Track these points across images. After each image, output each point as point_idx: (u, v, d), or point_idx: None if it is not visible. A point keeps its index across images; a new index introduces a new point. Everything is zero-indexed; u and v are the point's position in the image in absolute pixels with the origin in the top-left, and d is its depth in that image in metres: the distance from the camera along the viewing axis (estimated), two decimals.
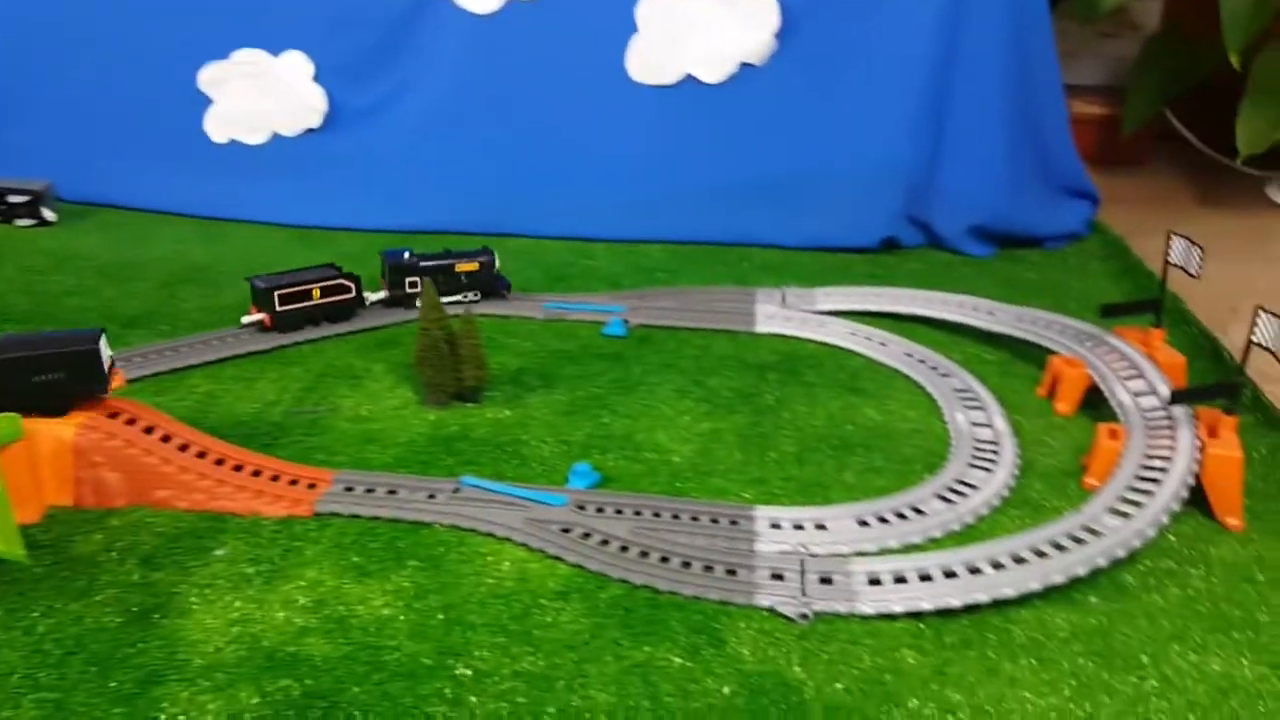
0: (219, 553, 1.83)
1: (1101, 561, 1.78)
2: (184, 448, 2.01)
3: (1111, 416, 2.22)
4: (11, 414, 1.88)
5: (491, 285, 2.81)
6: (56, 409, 1.93)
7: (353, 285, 2.71)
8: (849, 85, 3.12)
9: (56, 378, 1.90)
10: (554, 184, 3.31)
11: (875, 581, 1.75)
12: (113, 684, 1.53)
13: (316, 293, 2.64)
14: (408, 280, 2.76)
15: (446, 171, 3.34)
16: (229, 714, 1.48)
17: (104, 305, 2.79)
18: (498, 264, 2.81)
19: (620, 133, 3.25)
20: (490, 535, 1.88)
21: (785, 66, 3.13)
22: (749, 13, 3.08)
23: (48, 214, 3.31)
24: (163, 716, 1.48)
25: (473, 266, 2.76)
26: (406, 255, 2.73)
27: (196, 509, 1.94)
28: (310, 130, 3.35)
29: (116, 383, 1.98)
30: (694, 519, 1.92)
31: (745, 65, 3.14)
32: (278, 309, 2.60)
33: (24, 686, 1.52)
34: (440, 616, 1.69)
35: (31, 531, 1.86)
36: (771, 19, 3.09)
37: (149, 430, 2.00)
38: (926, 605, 1.70)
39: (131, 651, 1.60)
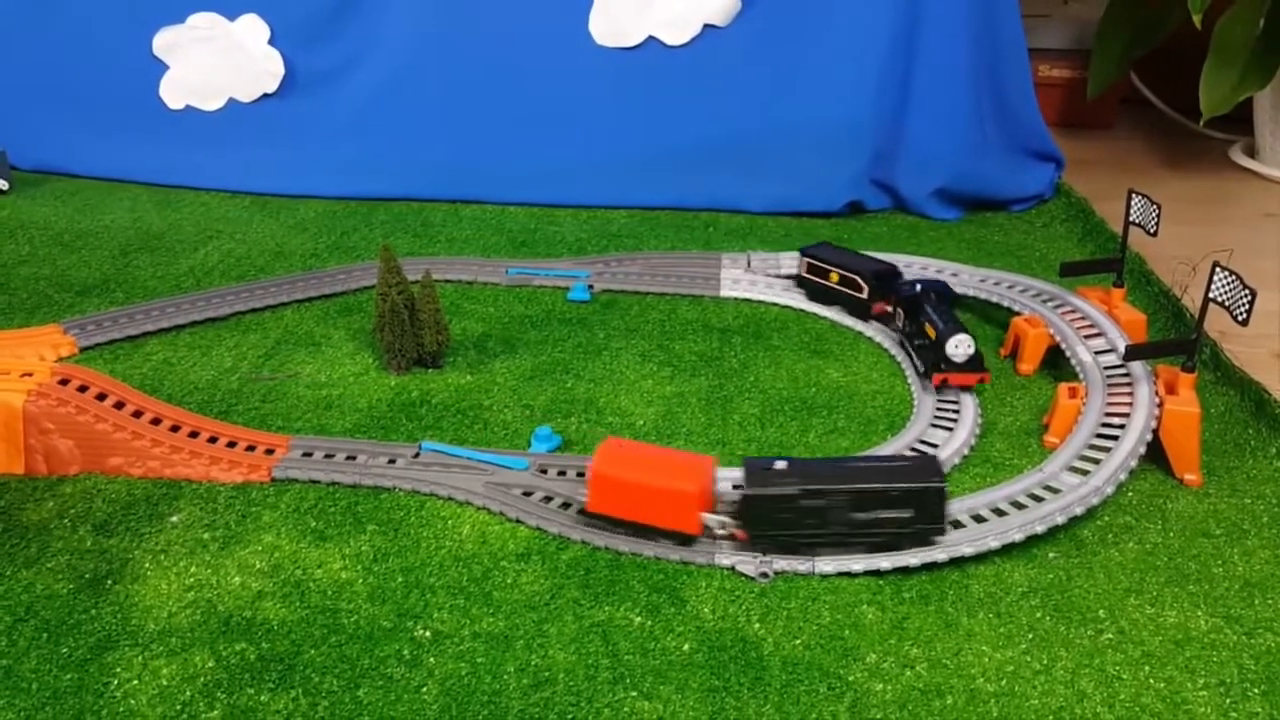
0: (174, 519, 1.80)
1: (1060, 519, 1.79)
2: (138, 414, 1.98)
3: (1073, 376, 2.22)
4: None
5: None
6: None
7: (865, 287, 2.48)
8: (813, 47, 3.10)
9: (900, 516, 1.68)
10: (517, 149, 3.27)
11: None
12: (64, 650, 1.51)
13: (834, 277, 2.53)
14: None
15: (407, 138, 3.29)
16: (183, 678, 1.47)
17: (58, 274, 2.74)
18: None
19: (583, 97, 3.21)
20: (451, 499, 1.87)
21: (749, 28, 3.10)
22: None
23: (0, 182, 3.24)
24: (115, 681, 1.46)
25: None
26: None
27: (151, 476, 1.91)
28: (267, 95, 3.28)
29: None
30: None
31: (709, 27, 3.10)
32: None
33: None
34: (399, 579, 1.67)
35: None
36: None
37: (101, 397, 1.97)
38: (885, 565, 1.70)
39: (84, 618, 1.57)
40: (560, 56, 3.18)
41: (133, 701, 1.43)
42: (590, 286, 2.70)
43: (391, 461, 1.97)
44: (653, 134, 3.20)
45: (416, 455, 1.98)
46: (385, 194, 3.29)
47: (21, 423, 1.89)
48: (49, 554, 1.71)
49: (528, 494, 1.87)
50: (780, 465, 1.70)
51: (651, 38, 3.12)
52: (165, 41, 3.24)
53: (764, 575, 1.69)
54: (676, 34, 3.10)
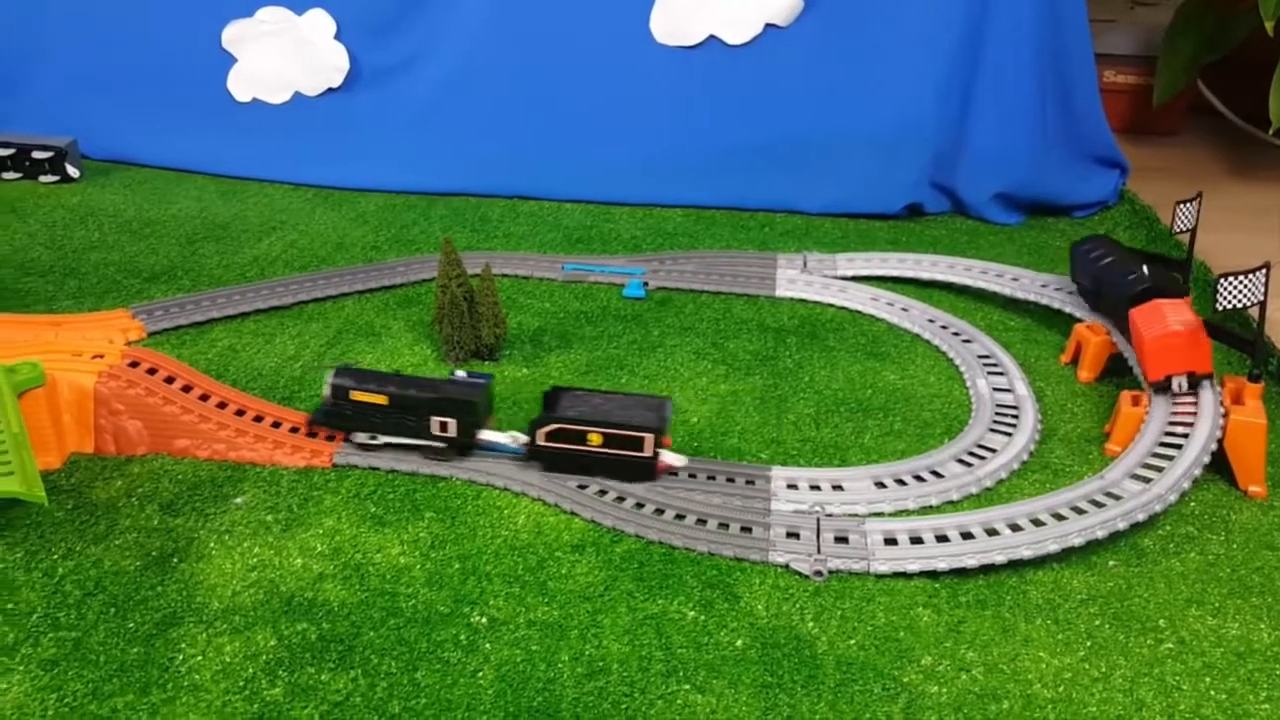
0: (238, 501, 1.84)
1: (1121, 525, 1.77)
2: (204, 398, 2.02)
3: (1135, 384, 2.19)
4: (34, 359, 1.90)
5: None
6: None
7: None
8: (876, 48, 3.08)
9: None
10: (574, 146, 3.29)
11: (891, 541, 1.74)
12: (131, 625, 1.55)
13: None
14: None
15: (467, 133, 3.32)
16: (245, 655, 1.50)
17: (127, 260, 2.80)
18: None
19: (642, 95, 3.22)
20: (506, 490, 1.89)
21: (811, 28, 3.09)
22: None
23: (72, 170, 3.32)
24: (180, 657, 1.49)
25: None
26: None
27: (216, 458, 1.95)
28: (331, 89, 3.33)
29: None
30: (710, 478, 1.92)
31: (770, 26, 3.09)
32: None
33: (43, 625, 1.54)
34: (456, 566, 1.70)
35: (53, 477, 1.87)
36: None
37: (169, 380, 2.02)
38: (942, 565, 1.69)
39: (150, 594, 1.62)
40: (620, 54, 3.19)
41: (197, 676, 1.46)
42: (645, 284, 2.71)
43: None
44: (710, 133, 3.20)
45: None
46: (444, 188, 3.33)
47: (92, 403, 1.94)
48: (117, 531, 1.75)
49: (582, 487, 1.89)
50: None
51: (712, 36, 3.12)
52: (233, 35, 3.31)
53: (818, 574, 1.68)
54: (738, 33, 3.10)
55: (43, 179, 3.32)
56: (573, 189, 3.31)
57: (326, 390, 1.96)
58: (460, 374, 2.00)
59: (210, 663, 1.49)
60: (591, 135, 3.28)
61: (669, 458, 1.91)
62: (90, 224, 3.03)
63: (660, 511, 1.82)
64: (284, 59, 3.30)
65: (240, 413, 2.03)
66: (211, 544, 1.73)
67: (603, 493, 1.87)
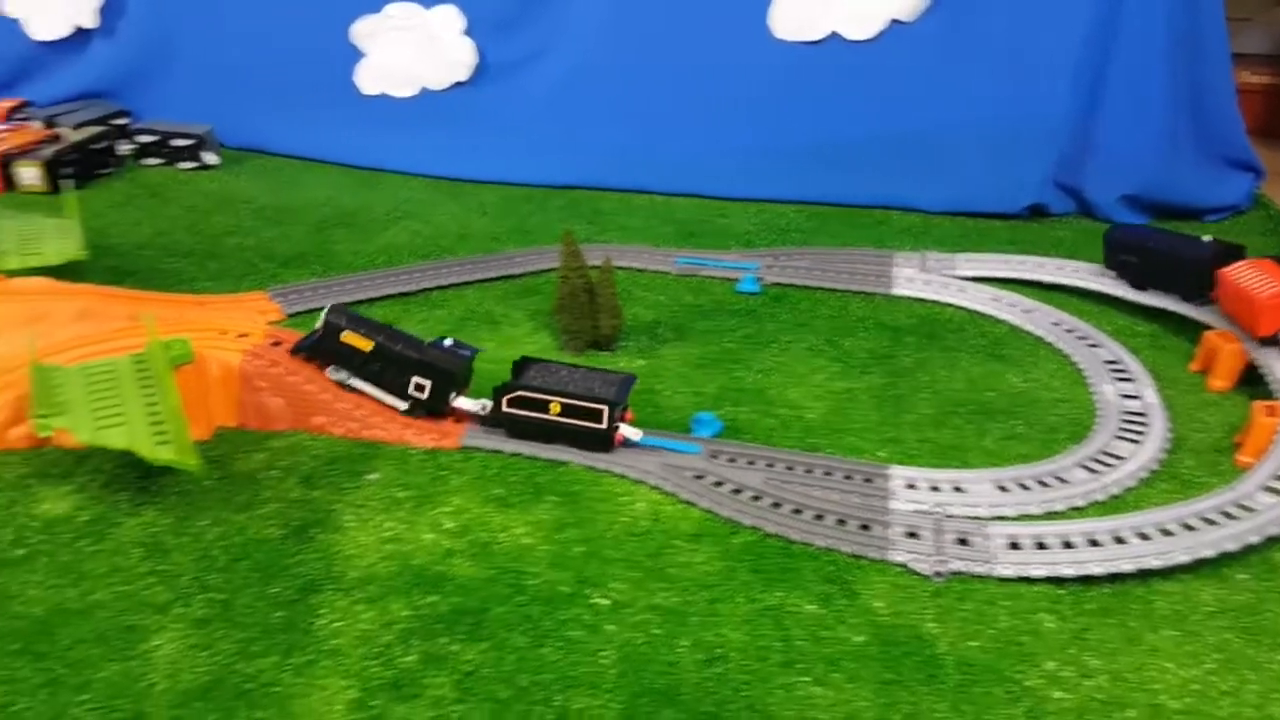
0: (371, 477, 1.92)
1: (1254, 538, 1.72)
2: None
3: (1268, 394, 2.12)
4: (184, 337, 2.01)
5: None
6: None
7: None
8: (1002, 46, 3.03)
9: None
10: (690, 141, 3.32)
11: (1015, 545, 1.73)
12: (274, 590, 1.64)
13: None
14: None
15: (585, 126, 3.38)
16: (382, 623, 1.57)
17: (262, 245, 2.94)
18: None
19: (760, 90, 3.23)
20: (625, 477, 1.93)
21: (937, 23, 3.05)
22: None
23: (209, 158, 3.49)
24: (320, 622, 1.57)
25: None
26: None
27: (350, 436, 2.04)
28: (458, 84, 3.43)
29: None
30: (827, 474, 1.92)
31: (895, 22, 3.07)
32: None
33: (193, 587, 1.64)
34: (578, 549, 1.74)
35: (200, 448, 1.98)
36: None
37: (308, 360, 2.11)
38: (1068, 571, 1.67)
39: (291, 562, 1.70)
40: (739, 49, 3.21)
41: (336, 641, 1.54)
42: (760, 279, 2.72)
43: None
44: (828, 128, 3.19)
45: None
46: (561, 181, 3.39)
47: (238, 380, 2.05)
48: (260, 501, 1.85)
49: (699, 477, 1.91)
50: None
51: (834, 33, 3.11)
52: (363, 30, 3.43)
53: (938, 574, 1.68)
54: (861, 28, 3.09)
55: (181, 165, 3.50)
56: (686, 183, 3.34)
57: (319, 323, 2.05)
58: (448, 341, 2.08)
59: (349, 629, 1.56)
60: (706, 130, 3.30)
61: (627, 431, 1.98)
62: (227, 209, 3.18)
63: (777, 505, 1.83)
64: (412, 54, 3.41)
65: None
66: (347, 517, 1.81)
67: (719, 483, 1.90)
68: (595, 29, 3.32)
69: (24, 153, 3.27)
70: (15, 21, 3.65)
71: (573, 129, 3.38)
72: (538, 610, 1.60)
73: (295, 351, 2.09)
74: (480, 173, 3.44)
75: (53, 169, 3.24)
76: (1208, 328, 2.36)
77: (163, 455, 1.72)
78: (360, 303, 2.61)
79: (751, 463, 1.95)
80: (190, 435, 1.79)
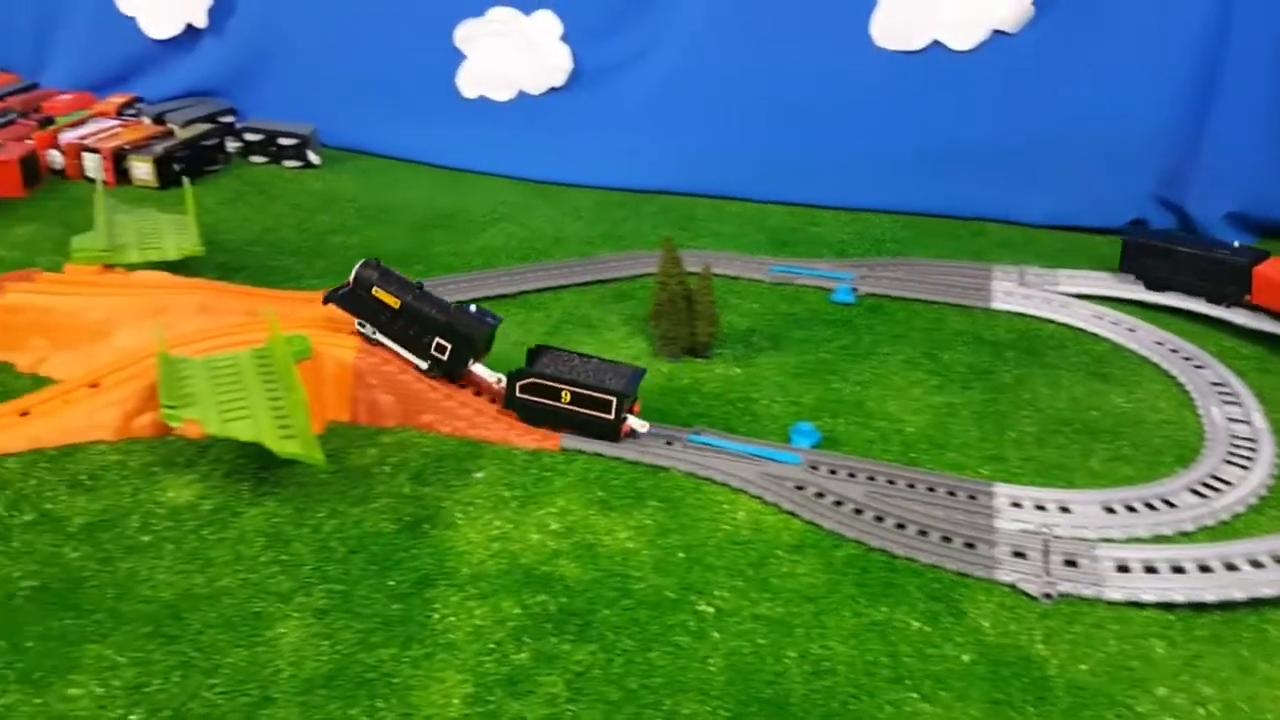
0: (478, 475, 1.97)
1: None
2: None
3: None
4: (303, 333, 2.08)
5: None
6: None
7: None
8: (1107, 58, 2.98)
9: None
10: (784, 148, 3.32)
11: (1123, 569, 1.71)
12: (391, 582, 1.69)
13: None
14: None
15: (679, 132, 3.40)
16: (494, 620, 1.61)
17: (366, 244, 3.01)
18: None
19: (857, 98, 3.22)
20: (726, 485, 1.95)
21: (1041, 35, 3.02)
22: None
23: (313, 157, 3.59)
24: (436, 616, 1.62)
25: None
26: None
27: (457, 435, 2.09)
28: (554, 89, 3.48)
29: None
30: (930, 490, 1.92)
31: (998, 32, 3.04)
32: None
33: (314, 577, 1.70)
34: (681, 555, 1.77)
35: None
36: None
37: None
38: (1178, 597, 1.65)
39: (405, 556, 1.75)
40: (838, 57, 3.20)
41: (451, 635, 1.58)
42: (855, 289, 2.72)
43: (669, 443, 2.07)
44: (925, 138, 3.17)
45: (690, 441, 2.07)
46: (654, 186, 3.42)
47: (351, 376, 2.11)
48: (373, 495, 1.91)
49: (800, 488, 1.93)
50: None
51: (936, 41, 3.09)
52: (465, 33, 3.50)
53: (1047, 596, 1.67)
54: (963, 38, 3.06)
55: (286, 164, 3.60)
56: (779, 190, 3.34)
57: (351, 277, 2.13)
58: (473, 308, 2.15)
59: (462, 624, 1.61)
60: (801, 137, 3.30)
61: (634, 422, 2.03)
62: (331, 208, 3.27)
63: (880, 519, 1.84)
64: (510, 58, 3.47)
65: (478, 393, 2.17)
66: (457, 514, 1.86)
67: (820, 495, 1.91)
68: (692, 35, 3.34)
69: (137, 148, 3.40)
70: (131, 19, 3.79)
71: (667, 134, 3.40)
72: (644, 614, 1.63)
73: (326, 301, 2.16)
74: (574, 176, 3.48)
75: (164, 165, 3.36)
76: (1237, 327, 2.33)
77: (288, 448, 1.79)
78: (460, 303, 2.66)
79: (852, 475, 1.96)
80: (313, 429, 1.85)
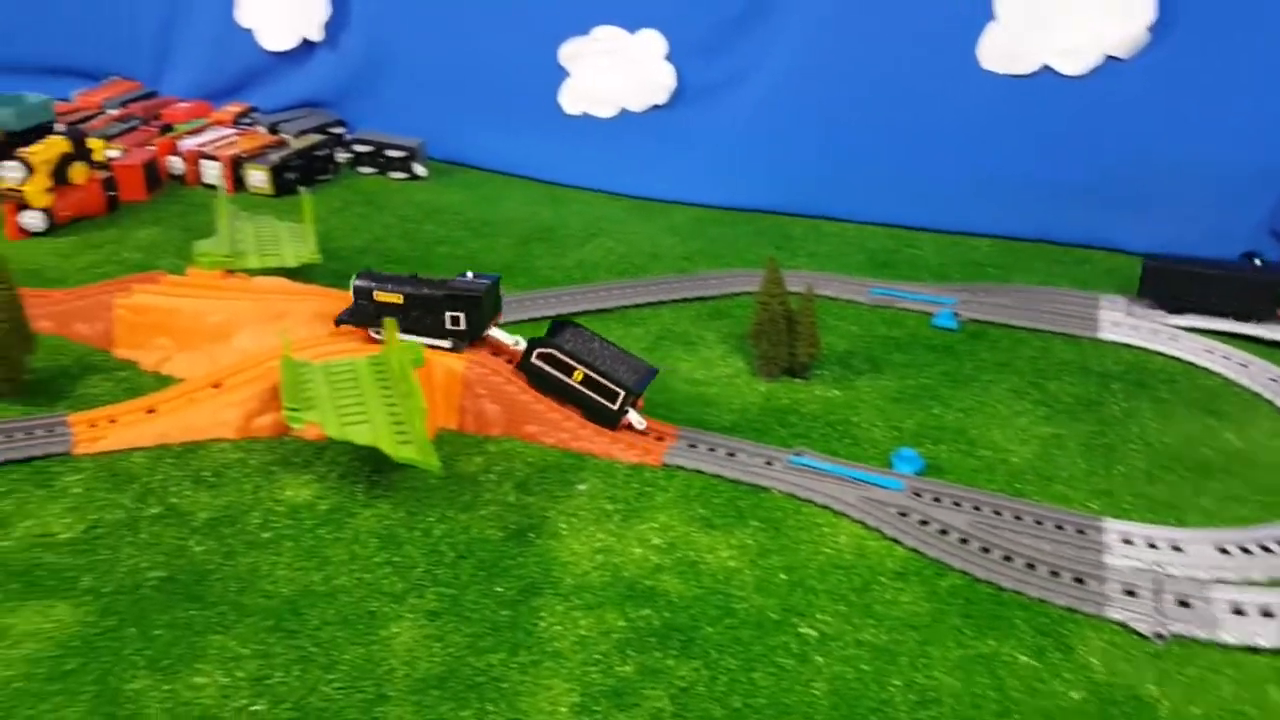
0: (581, 487, 2.00)
1: None
2: None
3: None
4: (416, 343, 2.14)
5: None
6: None
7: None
8: (1222, 87, 2.91)
9: None
10: (884, 168, 3.30)
11: (1239, 612, 1.67)
12: (498, 589, 1.73)
13: None
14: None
15: (777, 151, 3.41)
16: (599, 631, 1.64)
17: (470, 256, 3.08)
18: None
19: (961, 121, 3.19)
20: (827, 508, 1.95)
21: (1155, 62, 2.95)
22: (1122, 4, 2.93)
23: (419, 169, 3.68)
24: (542, 624, 1.65)
25: None
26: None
27: (560, 446, 2.13)
28: (656, 106, 3.52)
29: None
30: (1038, 522, 1.90)
31: (1110, 58, 2.99)
32: None
33: (426, 580, 1.75)
34: (783, 576, 1.77)
35: None
36: (1147, 12, 2.92)
37: None
38: None
39: (512, 564, 1.79)
40: (943, 79, 3.18)
41: (557, 644, 1.61)
42: (957, 314, 2.70)
43: (769, 463, 2.08)
44: (1030, 162, 3.13)
45: (790, 462, 2.07)
46: (750, 204, 3.44)
47: (460, 385, 2.17)
48: (480, 503, 1.95)
49: (903, 515, 1.92)
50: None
51: (1046, 66, 3.05)
52: (570, 51, 3.56)
53: (1159, 636, 1.64)
54: (1074, 63, 3.02)
55: (393, 175, 3.70)
56: (877, 211, 3.33)
57: (351, 293, 2.20)
58: (469, 274, 2.22)
59: (568, 633, 1.64)
60: (902, 158, 3.28)
61: (633, 418, 2.12)
62: (436, 219, 3.35)
63: (986, 550, 1.82)
64: (614, 76, 3.52)
65: (496, 353, 2.21)
66: (561, 524, 1.90)
67: (924, 522, 1.89)
68: (795, 56, 3.35)
69: (253, 157, 3.53)
70: (249, 32, 3.94)
71: (766, 153, 3.41)
72: (747, 634, 1.64)
73: (339, 324, 2.22)
74: (671, 193, 3.52)
75: (278, 173, 3.48)
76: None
77: (405, 454, 1.84)
78: (560, 316, 2.71)
79: (957, 504, 1.94)
80: (429, 435, 1.91)
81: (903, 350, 2.57)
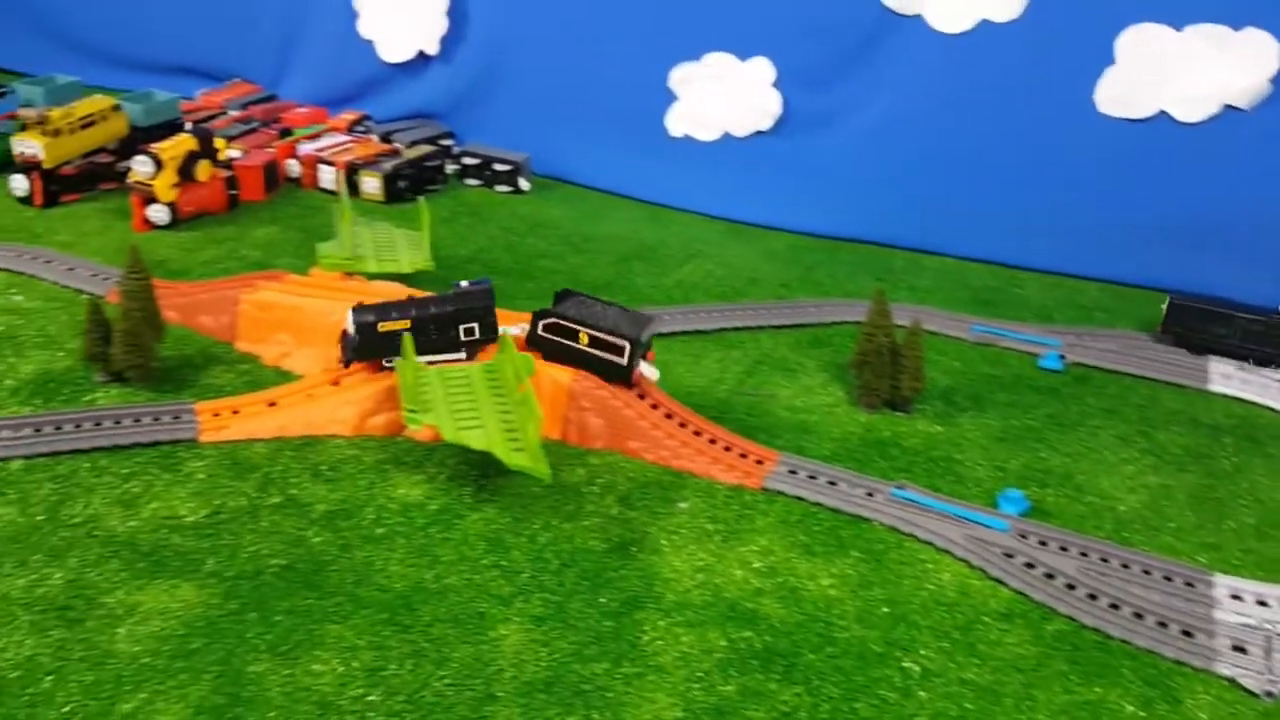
0: (682, 505, 2.03)
1: None
2: (655, 406, 2.24)
3: None
4: (528, 354, 2.19)
5: None
6: None
7: None
8: None
9: None
10: (988, 204, 3.28)
11: None
12: (602, 599, 1.76)
13: None
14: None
15: (880, 182, 3.41)
16: (701, 649, 1.66)
17: (571, 270, 3.14)
18: None
19: (1075, 163, 3.15)
20: (929, 544, 1.94)
21: (1276, 114, 2.90)
22: (1244, 54, 2.88)
23: (523, 184, 3.76)
24: (645, 638, 1.68)
25: None
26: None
27: (661, 463, 2.16)
28: (759, 132, 3.55)
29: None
30: (1145, 572, 1.87)
31: (1229, 108, 2.94)
32: None
33: (532, 585, 1.79)
34: (885, 609, 1.77)
35: None
36: (1270, 63, 2.87)
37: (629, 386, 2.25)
38: None
39: (614, 576, 1.82)
40: (1057, 120, 3.15)
41: (660, 659, 1.64)
42: (1063, 356, 2.67)
43: (870, 494, 2.08)
44: (1143, 207, 3.08)
45: (892, 495, 2.07)
46: (848, 233, 3.44)
47: (565, 397, 2.21)
48: (583, 514, 1.99)
49: (1009, 556, 1.90)
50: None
51: (1163, 112, 3.01)
52: (681, 76, 3.61)
53: (1269, 694, 1.60)
54: (1192, 111, 2.97)
55: (498, 188, 3.78)
56: (980, 248, 3.31)
57: (351, 329, 2.18)
58: (463, 284, 2.29)
59: (670, 649, 1.66)
60: (1010, 196, 3.26)
61: (645, 369, 2.19)
62: (538, 234, 3.42)
63: (1094, 596, 1.80)
64: (721, 101, 3.56)
65: (683, 425, 2.23)
66: (662, 540, 1.92)
67: (1030, 565, 1.88)
68: (905, 89, 3.35)
69: (367, 164, 3.64)
70: (369, 43, 4.07)
71: (869, 184, 3.42)
72: (849, 664, 1.65)
73: (347, 364, 2.21)
74: (768, 218, 3.54)
75: (390, 181, 3.59)
76: None
77: (518, 460, 1.89)
78: (661, 335, 2.74)
79: (1064, 548, 1.92)
80: (541, 443, 1.95)
81: (1006, 390, 2.55)
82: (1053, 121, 3.16)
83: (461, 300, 2.23)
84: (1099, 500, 2.11)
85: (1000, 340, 2.77)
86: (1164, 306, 2.74)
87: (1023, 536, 1.95)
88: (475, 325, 2.21)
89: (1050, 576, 1.84)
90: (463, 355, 2.23)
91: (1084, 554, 1.91)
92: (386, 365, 2.22)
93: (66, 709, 1.49)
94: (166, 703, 1.50)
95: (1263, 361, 2.61)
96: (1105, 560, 1.89)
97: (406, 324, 2.18)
